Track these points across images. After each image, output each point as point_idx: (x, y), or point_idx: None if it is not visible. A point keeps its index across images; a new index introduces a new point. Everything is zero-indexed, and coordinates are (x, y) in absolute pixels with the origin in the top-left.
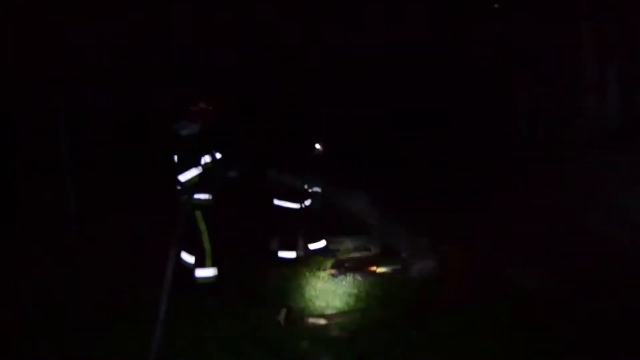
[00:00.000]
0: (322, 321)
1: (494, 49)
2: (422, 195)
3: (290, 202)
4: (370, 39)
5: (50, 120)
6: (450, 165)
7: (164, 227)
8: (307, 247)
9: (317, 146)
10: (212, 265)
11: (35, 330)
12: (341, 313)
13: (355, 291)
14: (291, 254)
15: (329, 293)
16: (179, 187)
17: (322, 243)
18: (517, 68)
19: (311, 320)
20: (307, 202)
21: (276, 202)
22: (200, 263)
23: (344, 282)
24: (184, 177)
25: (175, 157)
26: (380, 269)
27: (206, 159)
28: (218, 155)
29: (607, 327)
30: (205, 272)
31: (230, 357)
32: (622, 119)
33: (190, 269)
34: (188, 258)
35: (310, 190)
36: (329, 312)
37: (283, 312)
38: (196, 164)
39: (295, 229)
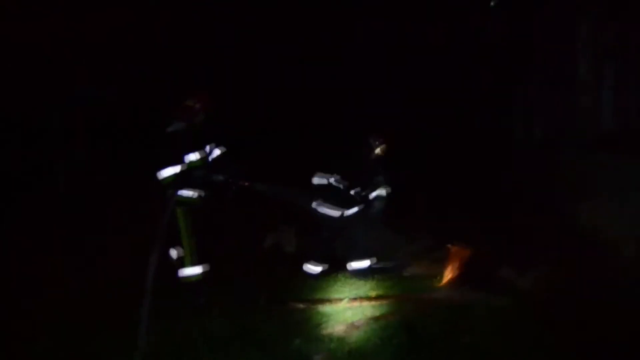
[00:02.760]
0: (301, 305)
1: (491, 47)
2: (420, 196)
3: (332, 208)
4: (368, 35)
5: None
6: (446, 166)
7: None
8: (348, 265)
9: (377, 150)
10: (195, 263)
11: (24, 330)
12: (323, 300)
13: (346, 288)
14: (317, 269)
15: (317, 286)
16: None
17: (365, 263)
18: (514, 67)
19: (291, 303)
20: (350, 211)
21: (315, 205)
22: (182, 262)
23: (336, 279)
24: (161, 174)
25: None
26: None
27: (191, 157)
28: (217, 153)
29: (599, 328)
30: (188, 271)
31: (221, 357)
32: (616, 120)
33: (177, 266)
34: (175, 255)
35: (363, 197)
36: (310, 298)
37: (264, 294)
38: (176, 161)
39: (331, 240)
